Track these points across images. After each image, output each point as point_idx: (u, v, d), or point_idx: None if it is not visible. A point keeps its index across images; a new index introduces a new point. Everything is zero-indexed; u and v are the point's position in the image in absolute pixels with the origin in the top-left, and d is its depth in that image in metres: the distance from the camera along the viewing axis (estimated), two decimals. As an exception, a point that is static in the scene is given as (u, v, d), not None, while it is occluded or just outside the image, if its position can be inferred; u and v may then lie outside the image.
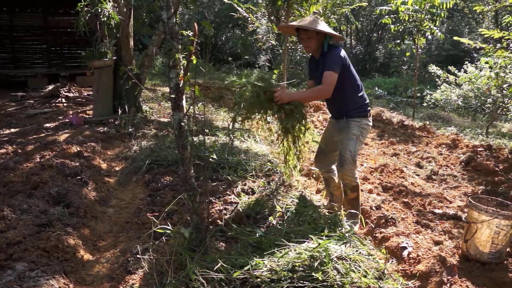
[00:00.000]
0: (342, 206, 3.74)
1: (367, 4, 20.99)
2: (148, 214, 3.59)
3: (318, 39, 3.49)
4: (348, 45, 28.37)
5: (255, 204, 3.60)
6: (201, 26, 2.64)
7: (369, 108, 3.69)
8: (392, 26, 10.76)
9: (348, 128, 3.57)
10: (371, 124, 3.72)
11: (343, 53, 3.46)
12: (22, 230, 3.00)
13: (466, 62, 11.97)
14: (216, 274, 2.46)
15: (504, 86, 8.51)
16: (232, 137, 5.54)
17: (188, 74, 2.52)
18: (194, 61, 2.50)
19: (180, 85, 2.54)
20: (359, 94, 3.62)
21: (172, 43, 2.44)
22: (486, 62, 8.79)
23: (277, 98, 3.34)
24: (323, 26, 3.43)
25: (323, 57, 3.51)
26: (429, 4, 9.90)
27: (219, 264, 2.53)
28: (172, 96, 2.54)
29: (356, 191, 3.65)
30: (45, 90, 9.87)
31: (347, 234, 3.04)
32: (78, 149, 5.14)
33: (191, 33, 2.45)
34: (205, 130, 5.98)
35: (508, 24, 7.10)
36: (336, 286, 2.41)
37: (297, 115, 3.48)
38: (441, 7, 9.80)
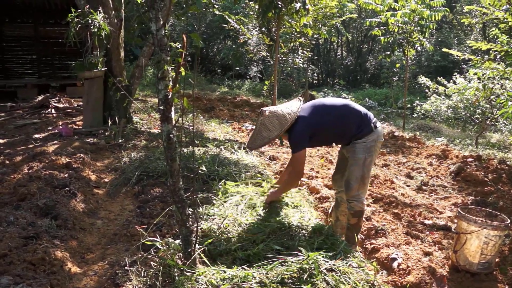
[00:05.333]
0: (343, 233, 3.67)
1: (357, 16, 21.24)
2: (136, 226, 3.56)
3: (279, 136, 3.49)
4: (339, 56, 28.62)
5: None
6: (191, 38, 2.65)
7: (372, 120, 3.47)
8: (382, 38, 10.89)
9: (354, 152, 3.44)
10: (378, 134, 3.47)
11: (299, 127, 3.36)
12: (8, 242, 2.95)
13: (455, 73, 12.11)
14: (206, 286, 2.44)
15: (492, 97, 8.61)
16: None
17: (177, 85, 2.52)
18: (183, 73, 2.50)
19: (169, 97, 2.54)
20: (350, 120, 3.45)
21: (161, 55, 2.44)
22: (475, 73, 8.90)
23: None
24: (268, 130, 3.38)
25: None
26: (418, 16, 10.04)
27: (208, 277, 2.51)
28: (161, 108, 2.53)
29: (357, 217, 3.50)
30: (35, 100, 9.81)
31: (337, 246, 3.04)
32: (67, 160, 5.09)
33: (180, 45, 2.45)
34: (195, 142, 5.96)
35: (495, 36, 7.20)
36: (325, 298, 2.40)
37: None
38: (430, 19, 9.94)
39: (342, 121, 3.44)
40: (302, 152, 3.36)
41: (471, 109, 10.95)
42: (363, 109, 3.53)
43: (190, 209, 2.79)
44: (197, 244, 2.79)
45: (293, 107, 3.46)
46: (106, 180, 5.08)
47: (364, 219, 4.08)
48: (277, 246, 3.02)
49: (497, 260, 3.32)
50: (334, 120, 3.43)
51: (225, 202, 3.76)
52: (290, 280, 2.49)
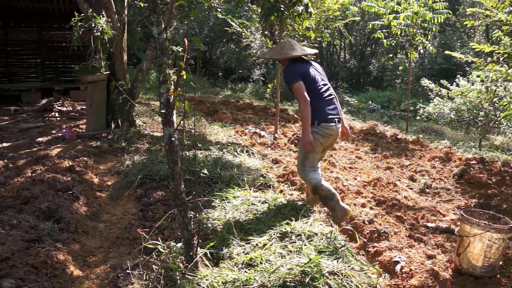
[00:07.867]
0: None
1: (360, 18, 21.21)
2: (139, 230, 3.56)
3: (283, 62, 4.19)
4: (342, 59, 28.61)
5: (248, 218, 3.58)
6: (192, 42, 2.66)
7: (329, 116, 3.92)
8: (384, 41, 10.86)
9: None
10: (328, 130, 3.92)
11: (292, 67, 3.96)
12: (10, 246, 2.96)
13: (458, 76, 12.08)
14: (207, 290, 2.44)
15: (495, 99, 8.58)
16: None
17: (179, 89, 2.52)
18: (185, 76, 2.50)
19: (171, 100, 2.54)
20: (319, 101, 3.91)
21: (163, 58, 2.45)
22: (478, 76, 8.88)
23: (308, 149, 3.86)
24: (281, 52, 4.05)
25: None
26: (420, 19, 10.01)
27: (210, 280, 2.50)
28: (163, 111, 2.54)
29: (316, 193, 3.98)
30: (39, 104, 9.84)
31: (339, 249, 3.03)
32: (70, 163, 5.11)
33: (181, 48, 2.45)
34: (198, 145, 5.96)
35: (498, 39, 7.19)
36: (327, 301, 2.39)
37: None
38: (432, 22, 9.91)
39: (311, 98, 3.86)
40: (298, 84, 3.82)
41: (474, 111, 10.92)
42: (335, 103, 4.08)
43: (192, 212, 2.80)
44: (199, 248, 2.79)
45: (307, 50, 4.14)
46: (109, 183, 5.09)
47: (366, 222, 4.07)
48: (279, 249, 3.02)
49: (500, 263, 3.30)
50: (316, 88, 3.96)
51: (227, 205, 3.76)
52: (292, 284, 2.49)
